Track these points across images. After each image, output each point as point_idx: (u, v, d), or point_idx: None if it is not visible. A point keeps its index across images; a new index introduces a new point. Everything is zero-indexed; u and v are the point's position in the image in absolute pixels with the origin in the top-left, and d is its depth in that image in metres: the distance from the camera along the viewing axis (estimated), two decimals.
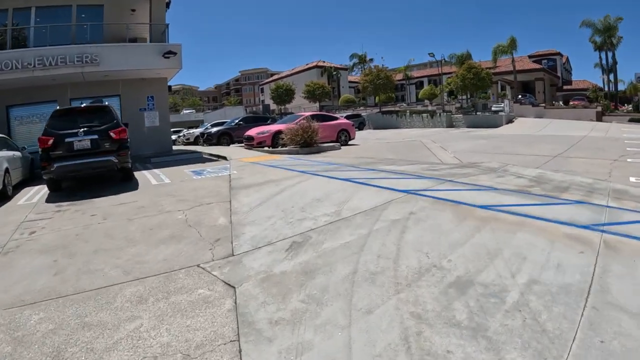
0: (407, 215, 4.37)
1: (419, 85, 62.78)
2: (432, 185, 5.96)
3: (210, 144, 18.87)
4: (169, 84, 15.32)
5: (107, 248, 4.07)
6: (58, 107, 8.33)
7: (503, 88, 43.90)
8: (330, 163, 9.22)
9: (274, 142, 13.34)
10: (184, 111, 51.49)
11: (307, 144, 12.07)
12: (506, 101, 35.70)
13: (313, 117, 13.57)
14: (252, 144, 13.81)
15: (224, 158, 11.35)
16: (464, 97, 41.22)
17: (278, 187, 6.44)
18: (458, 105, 38.97)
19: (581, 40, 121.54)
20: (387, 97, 45.16)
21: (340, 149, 13.05)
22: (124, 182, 8.19)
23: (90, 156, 7.31)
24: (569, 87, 50.16)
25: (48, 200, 6.77)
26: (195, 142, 21.96)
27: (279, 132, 13.22)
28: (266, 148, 13.19)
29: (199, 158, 12.24)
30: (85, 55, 11.83)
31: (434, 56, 40.25)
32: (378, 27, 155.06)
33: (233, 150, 13.80)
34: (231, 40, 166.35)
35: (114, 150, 7.53)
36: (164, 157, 13.06)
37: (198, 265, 3.47)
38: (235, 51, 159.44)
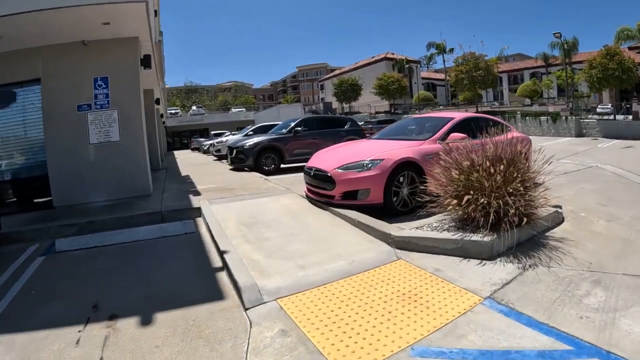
0: None
1: (499, 82, 53.66)
2: None
3: (242, 166, 10.42)
4: (145, 53, 6.88)
5: None
6: None
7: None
8: None
9: (389, 193, 4.78)
10: (233, 110, 44.92)
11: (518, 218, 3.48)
12: None
13: (466, 125, 5.36)
14: (328, 195, 5.12)
15: (242, 302, 3.00)
16: (571, 96, 29.90)
17: None
18: (569, 105, 28.06)
19: None
20: (475, 95, 34.22)
21: (562, 220, 4.30)
22: None
23: None
24: None
25: None
26: (228, 156, 14.10)
27: (404, 165, 4.79)
28: (364, 215, 4.68)
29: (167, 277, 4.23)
30: None
31: (560, 37, 29.51)
32: (449, 16, 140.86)
33: (280, 217, 5.30)
34: (288, 35, 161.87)
35: None
36: (104, 233, 4.95)
37: None
38: (292, 46, 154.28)
